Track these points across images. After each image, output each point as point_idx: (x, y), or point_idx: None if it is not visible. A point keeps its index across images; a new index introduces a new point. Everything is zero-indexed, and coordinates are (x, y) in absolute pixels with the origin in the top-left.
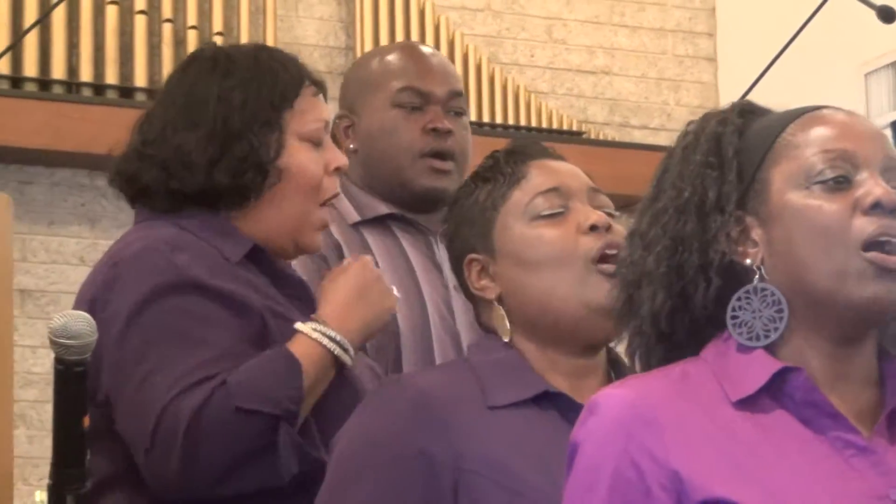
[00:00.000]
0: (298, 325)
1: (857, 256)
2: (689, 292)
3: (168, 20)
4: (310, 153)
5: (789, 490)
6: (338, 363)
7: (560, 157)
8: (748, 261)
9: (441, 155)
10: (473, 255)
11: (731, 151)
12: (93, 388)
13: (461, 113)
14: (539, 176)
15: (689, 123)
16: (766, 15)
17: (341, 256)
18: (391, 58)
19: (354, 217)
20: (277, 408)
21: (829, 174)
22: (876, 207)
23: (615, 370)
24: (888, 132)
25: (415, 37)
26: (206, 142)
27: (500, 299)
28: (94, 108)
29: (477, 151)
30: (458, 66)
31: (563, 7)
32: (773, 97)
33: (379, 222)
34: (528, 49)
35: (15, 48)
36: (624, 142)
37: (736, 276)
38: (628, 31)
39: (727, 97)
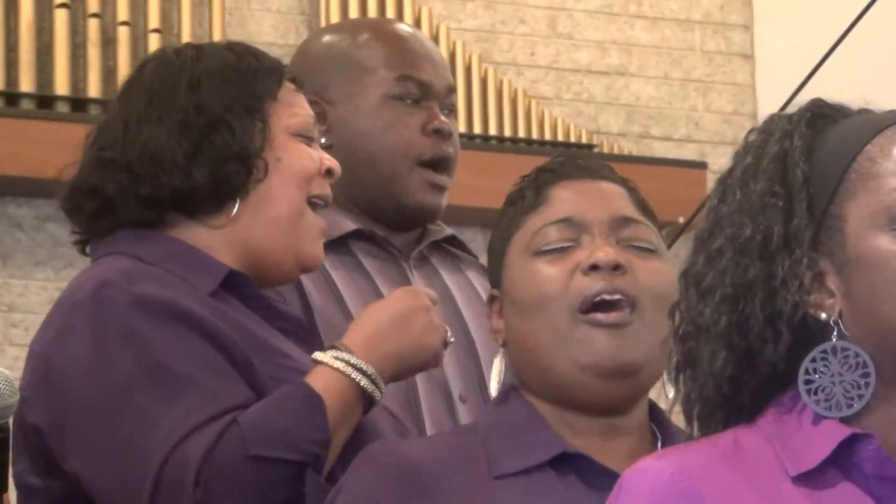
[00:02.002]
0: (317, 355)
1: None
2: (756, 350)
3: (95, 15)
4: (300, 147)
5: None
6: (366, 397)
7: (606, 176)
8: (823, 315)
9: (441, 165)
10: (494, 292)
11: (800, 177)
12: (53, 457)
13: (454, 112)
14: (560, 201)
15: (750, 132)
16: (814, 2)
17: (301, 291)
18: (378, 36)
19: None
20: (301, 454)
21: None
22: None
23: (660, 428)
24: None
25: None
26: (179, 134)
27: (503, 345)
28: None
29: (471, 169)
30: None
31: None
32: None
33: (339, 243)
34: (527, 46)
35: None
36: (643, 156)
37: (807, 332)
38: (647, 22)
39: (766, 102)
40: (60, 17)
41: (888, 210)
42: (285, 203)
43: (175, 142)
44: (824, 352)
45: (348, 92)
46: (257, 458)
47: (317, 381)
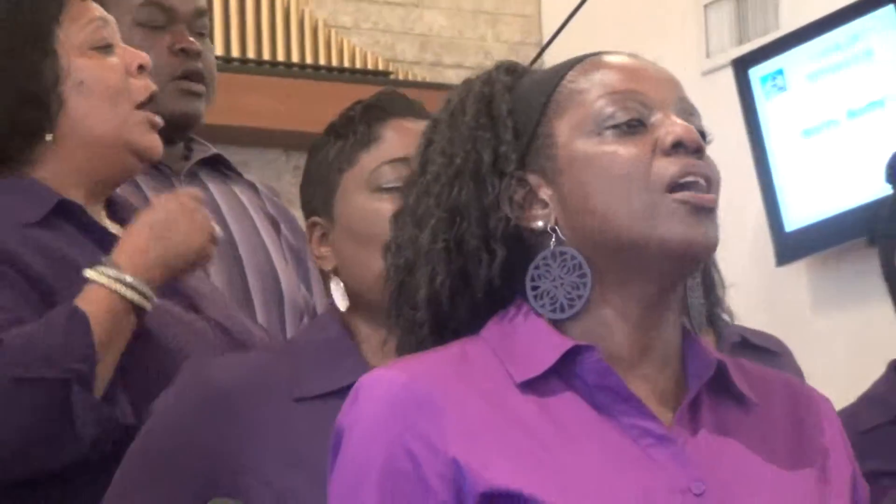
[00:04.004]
0: (86, 272)
1: (665, 198)
2: (471, 268)
3: None
4: (99, 61)
5: (579, 482)
6: (136, 310)
7: (427, 115)
8: (539, 223)
9: (193, 76)
10: (316, 219)
11: (504, 109)
12: None
13: (205, 33)
14: (394, 140)
15: (451, 90)
16: None
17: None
18: None
19: None
20: (62, 371)
21: (622, 116)
22: (677, 147)
23: None
24: (729, 70)
25: None
26: None
27: (335, 271)
28: None
29: (274, 94)
30: None
31: None
32: (603, 32)
33: None
34: None
35: None
36: (436, 82)
37: (525, 245)
38: None
39: (550, 33)
40: None
41: (594, 117)
42: (100, 122)
43: None
44: (545, 258)
45: None
46: (19, 379)
47: (84, 298)
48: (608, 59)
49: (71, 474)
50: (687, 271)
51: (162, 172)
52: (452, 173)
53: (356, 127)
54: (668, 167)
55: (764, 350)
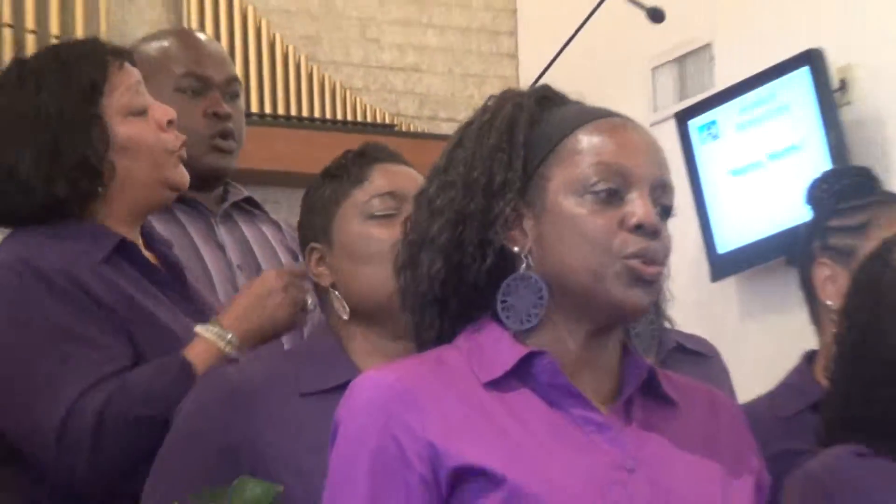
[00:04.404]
0: (197, 328)
1: (619, 262)
2: (466, 264)
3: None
4: (138, 124)
5: (533, 459)
6: (229, 360)
7: (404, 162)
8: (516, 248)
9: (224, 135)
10: (314, 245)
11: (522, 140)
12: None
13: (237, 96)
14: (380, 179)
15: (490, 98)
16: (562, 15)
17: None
18: (168, 43)
19: None
20: (171, 412)
21: (602, 187)
22: (638, 229)
23: None
24: (672, 122)
25: (238, 38)
26: (36, 160)
27: (333, 286)
28: None
29: (300, 142)
30: (278, 66)
31: (377, 9)
32: (569, 91)
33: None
34: (343, 48)
35: None
36: (433, 133)
37: (506, 261)
38: (436, 30)
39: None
40: None
41: (581, 180)
42: (143, 174)
43: (35, 167)
44: (515, 278)
45: (150, 86)
46: (139, 416)
47: (193, 349)
48: (610, 125)
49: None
50: (623, 322)
51: (202, 213)
52: (469, 182)
53: (349, 169)
54: (626, 244)
55: (697, 353)
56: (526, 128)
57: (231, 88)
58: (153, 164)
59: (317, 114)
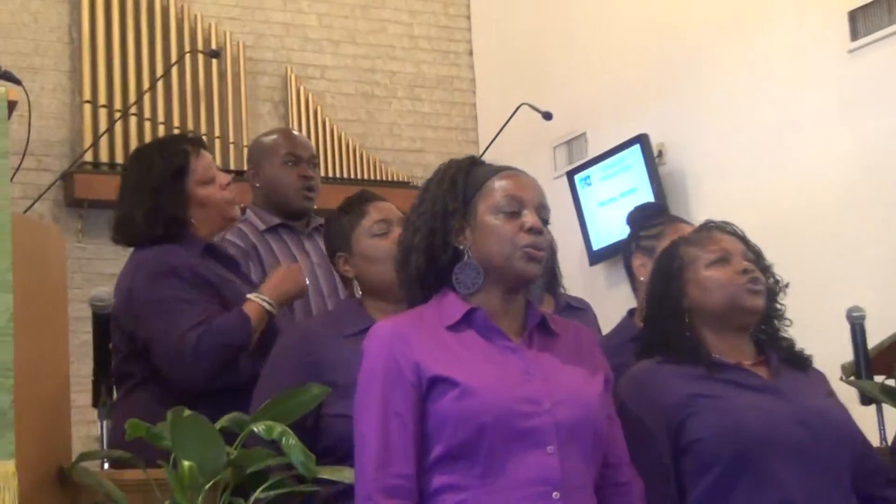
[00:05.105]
0: (250, 296)
1: (519, 250)
2: (435, 258)
3: None
4: (208, 189)
5: (475, 371)
6: (269, 315)
7: (384, 199)
8: (462, 247)
9: (310, 189)
10: (340, 253)
11: (461, 185)
12: (132, 332)
13: (317, 165)
14: (376, 212)
15: (442, 164)
16: (498, 116)
17: (257, 252)
18: (277, 136)
19: (261, 226)
20: (240, 341)
21: (508, 209)
22: (530, 230)
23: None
24: (565, 178)
25: (312, 130)
26: (145, 215)
27: (355, 278)
28: None
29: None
30: (334, 148)
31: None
32: (500, 160)
33: (273, 229)
34: (387, 137)
35: None
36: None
37: (458, 254)
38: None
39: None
40: None
41: (495, 205)
42: (216, 217)
43: (143, 217)
44: (462, 264)
45: (265, 163)
46: (222, 343)
47: (247, 306)
48: (512, 175)
49: (236, 390)
50: (524, 286)
51: (296, 233)
52: (434, 212)
53: (355, 207)
54: (524, 239)
55: (580, 308)
56: (463, 178)
57: (313, 161)
58: (220, 212)
59: (359, 176)
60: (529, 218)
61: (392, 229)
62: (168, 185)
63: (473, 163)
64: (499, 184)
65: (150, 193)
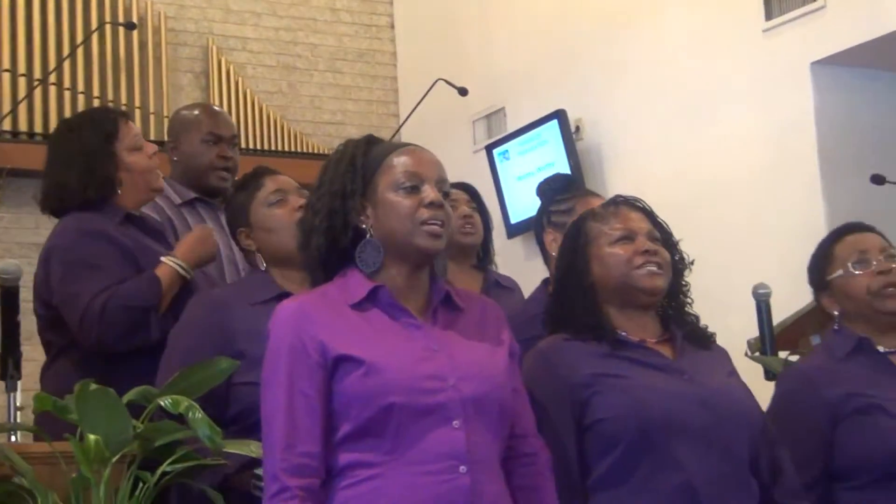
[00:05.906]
0: (163, 258)
1: (419, 227)
2: (336, 238)
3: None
4: (136, 156)
5: (380, 348)
6: (182, 277)
7: (280, 172)
8: (364, 225)
9: (226, 170)
10: (241, 228)
11: (360, 164)
12: (47, 297)
13: (237, 145)
14: (271, 182)
15: (340, 145)
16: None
17: (172, 225)
18: (198, 112)
19: (177, 200)
20: (147, 303)
21: (407, 184)
22: (430, 205)
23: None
24: (483, 152)
25: (234, 106)
26: (78, 178)
27: (257, 250)
28: None
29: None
30: (255, 120)
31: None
32: (419, 136)
33: (189, 202)
34: (310, 108)
35: None
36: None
37: (361, 234)
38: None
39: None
40: None
41: (395, 182)
42: (141, 182)
43: (77, 182)
44: (364, 243)
45: (185, 137)
46: (127, 306)
47: (159, 270)
48: (410, 151)
49: (144, 352)
50: (426, 261)
51: (212, 208)
52: (332, 192)
53: (252, 182)
54: (423, 214)
55: (507, 288)
56: (361, 157)
57: (233, 142)
58: (145, 178)
59: (280, 147)
60: (429, 193)
61: (288, 198)
62: (100, 147)
63: (371, 141)
64: (397, 160)
65: (82, 156)
